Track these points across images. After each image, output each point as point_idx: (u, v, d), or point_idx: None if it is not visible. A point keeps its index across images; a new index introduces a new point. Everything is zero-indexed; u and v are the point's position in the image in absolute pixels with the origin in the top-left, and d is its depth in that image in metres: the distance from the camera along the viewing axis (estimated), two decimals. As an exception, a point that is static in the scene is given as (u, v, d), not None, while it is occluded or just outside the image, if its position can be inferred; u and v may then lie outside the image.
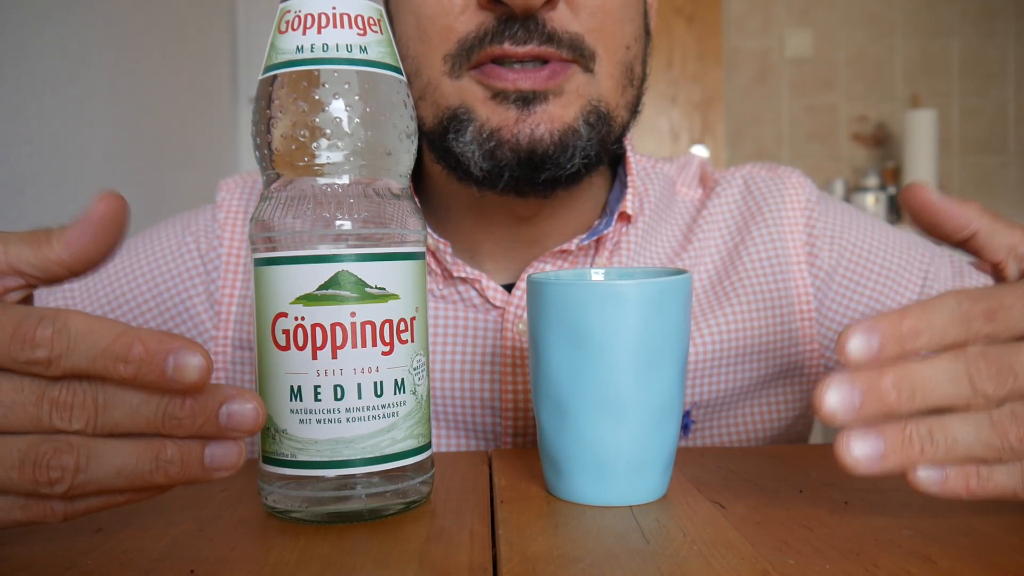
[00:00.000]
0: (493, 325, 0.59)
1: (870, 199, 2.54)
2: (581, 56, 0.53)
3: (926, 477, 0.33)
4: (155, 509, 0.41)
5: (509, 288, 0.61)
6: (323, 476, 0.38)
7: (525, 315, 0.59)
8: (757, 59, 2.81)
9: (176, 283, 0.64)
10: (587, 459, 0.40)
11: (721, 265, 0.63)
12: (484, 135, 0.53)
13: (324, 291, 0.37)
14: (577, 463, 0.40)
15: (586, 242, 0.60)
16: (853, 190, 2.66)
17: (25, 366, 0.31)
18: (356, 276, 0.38)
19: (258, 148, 0.40)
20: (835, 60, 2.80)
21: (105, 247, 0.35)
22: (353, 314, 0.38)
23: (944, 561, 0.33)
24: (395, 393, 0.39)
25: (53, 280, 0.35)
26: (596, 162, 0.56)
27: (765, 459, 0.48)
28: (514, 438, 0.59)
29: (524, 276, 0.59)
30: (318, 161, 0.38)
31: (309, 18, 0.38)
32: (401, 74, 0.41)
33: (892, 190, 2.62)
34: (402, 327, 0.39)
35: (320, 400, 0.38)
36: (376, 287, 0.38)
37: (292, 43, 0.38)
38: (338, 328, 0.37)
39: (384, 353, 0.38)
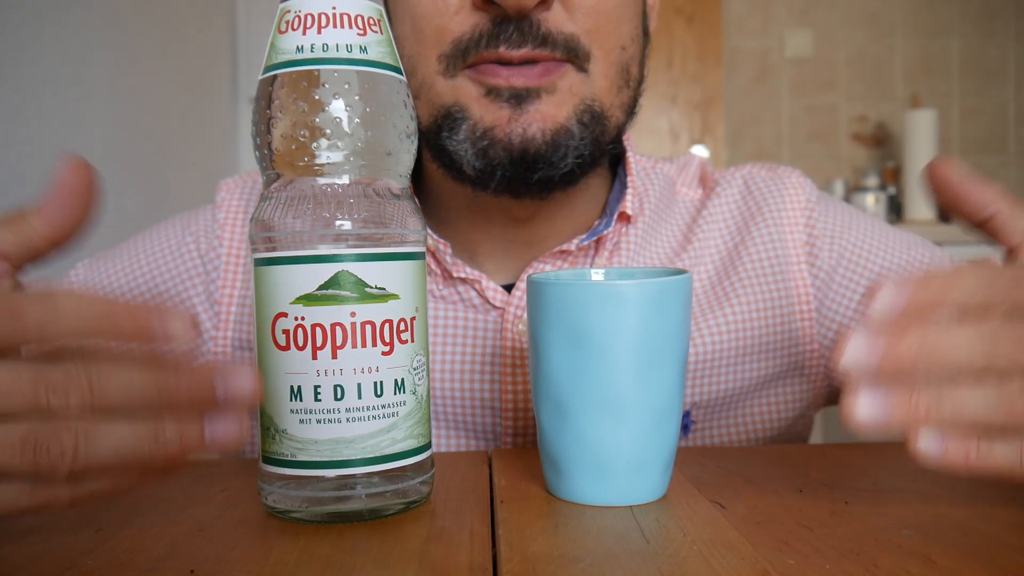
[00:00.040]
0: (493, 325, 0.59)
1: (870, 199, 2.54)
2: (575, 57, 0.53)
3: (927, 446, 0.33)
4: (155, 509, 0.41)
5: (509, 288, 0.61)
6: (323, 476, 0.38)
7: (525, 315, 0.59)
8: (757, 59, 2.81)
9: (176, 283, 0.64)
10: (587, 459, 0.40)
11: (721, 265, 0.63)
12: (477, 134, 0.53)
13: (324, 291, 0.37)
14: (577, 463, 0.40)
15: (586, 242, 0.60)
16: (853, 190, 2.66)
17: (16, 344, 0.31)
18: (356, 276, 0.38)
19: (258, 148, 0.40)
20: (835, 60, 2.80)
21: (83, 214, 0.34)
22: (353, 314, 0.38)
23: (944, 561, 0.33)
24: (395, 393, 0.39)
25: (38, 257, 0.35)
26: (591, 162, 0.56)
27: (765, 459, 0.48)
28: (514, 438, 0.59)
29: (524, 276, 0.59)
30: (318, 161, 0.38)
31: (309, 18, 0.38)
32: (401, 74, 0.41)
33: (892, 190, 2.62)
34: (402, 327, 0.39)
35: (320, 400, 0.38)
36: (376, 287, 0.38)
37: (292, 43, 0.38)
38: (338, 328, 0.37)
39: (384, 353, 0.38)
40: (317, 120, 0.38)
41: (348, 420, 0.38)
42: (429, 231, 0.60)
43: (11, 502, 0.32)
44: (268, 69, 0.39)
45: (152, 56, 1.42)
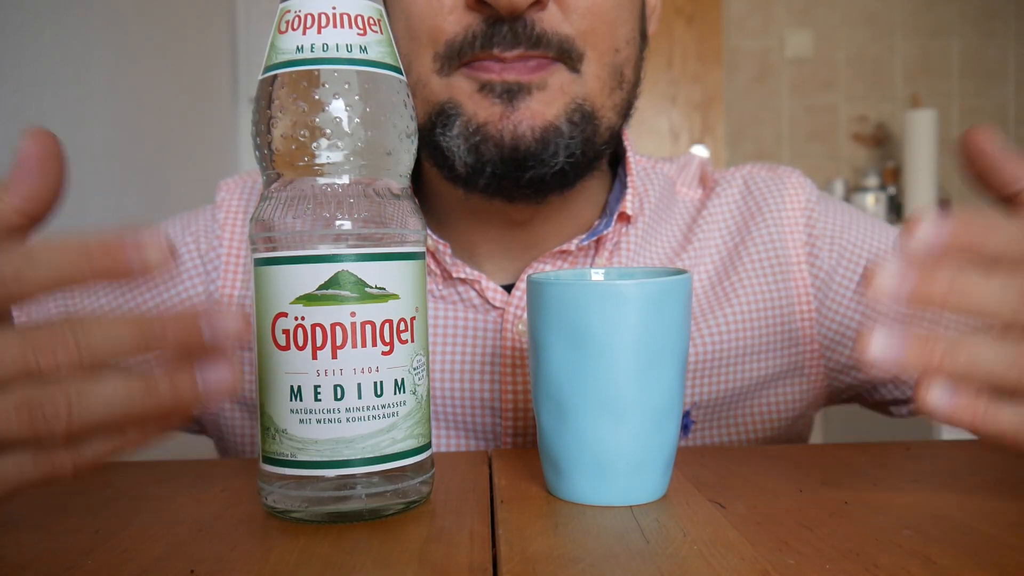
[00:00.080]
0: (493, 325, 0.59)
1: (870, 199, 2.54)
2: (569, 58, 0.53)
3: (937, 398, 0.33)
4: (155, 509, 0.41)
5: (509, 288, 0.61)
6: (323, 476, 0.38)
7: (525, 315, 0.59)
8: (757, 59, 2.81)
9: (176, 283, 0.64)
10: (587, 459, 0.40)
11: (721, 265, 0.63)
12: (470, 129, 0.53)
13: (324, 291, 0.37)
14: (577, 463, 0.40)
15: (586, 242, 0.60)
16: (853, 190, 2.66)
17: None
18: (356, 276, 0.38)
19: (258, 148, 0.40)
20: (835, 60, 2.80)
21: (54, 184, 0.34)
22: (353, 314, 0.38)
23: (944, 561, 0.33)
24: (395, 393, 0.39)
25: (16, 233, 0.35)
26: (584, 164, 0.56)
27: (765, 459, 0.48)
28: (514, 438, 0.59)
29: (524, 276, 0.59)
30: (318, 161, 0.38)
31: (309, 18, 0.38)
32: (401, 74, 0.41)
33: (892, 190, 2.62)
34: (402, 327, 0.39)
35: (320, 400, 0.38)
36: (376, 287, 0.38)
37: (292, 43, 0.38)
38: (338, 328, 0.37)
39: (384, 353, 0.38)
40: (317, 120, 0.38)
41: (348, 420, 0.38)
42: (429, 231, 0.60)
43: (16, 475, 0.32)
44: (268, 69, 0.39)
45: (152, 56, 1.42)
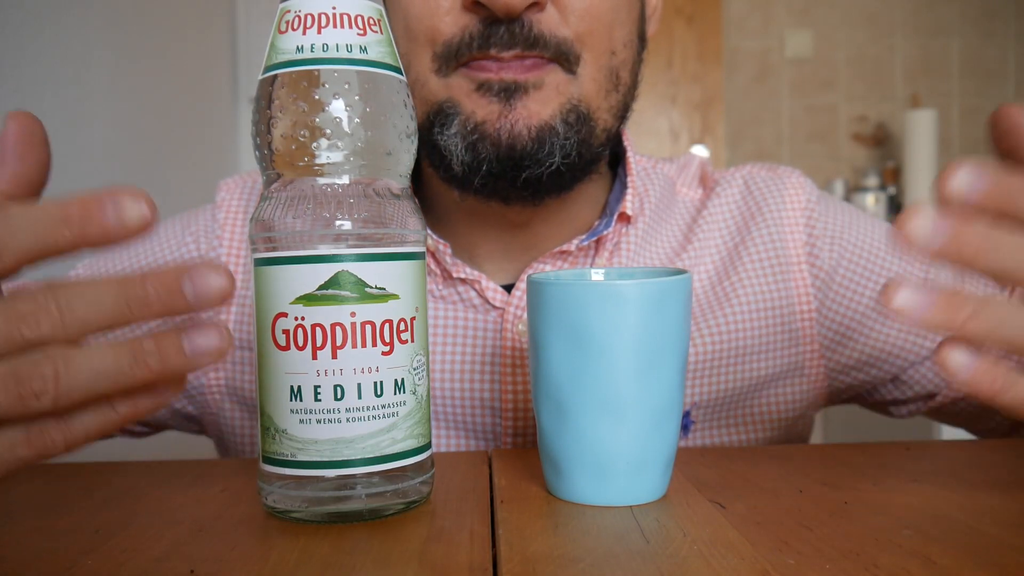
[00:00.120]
0: (493, 325, 0.59)
1: (870, 199, 2.54)
2: (566, 59, 0.53)
3: (959, 360, 0.33)
4: (155, 509, 0.41)
5: (509, 288, 0.61)
6: (323, 476, 0.38)
7: (525, 315, 0.59)
8: (757, 59, 2.81)
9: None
10: (587, 459, 0.40)
11: (721, 265, 0.63)
12: (468, 128, 0.53)
13: (324, 291, 0.37)
14: (577, 463, 0.40)
15: (586, 243, 0.60)
16: (853, 190, 2.66)
17: None
18: (356, 276, 0.38)
19: (258, 148, 0.40)
20: (835, 60, 2.80)
21: (36, 164, 0.34)
22: (353, 314, 0.38)
23: (944, 561, 0.33)
24: (395, 393, 0.39)
25: None
26: (579, 164, 0.56)
27: (765, 459, 0.48)
28: (514, 438, 0.59)
29: (524, 276, 0.59)
30: (318, 161, 0.38)
31: (309, 18, 0.38)
32: (401, 74, 0.41)
33: (892, 190, 2.62)
34: (402, 327, 0.39)
35: (320, 400, 0.38)
36: (376, 287, 0.38)
37: (292, 43, 0.38)
38: (338, 328, 0.37)
39: (384, 353, 0.38)
40: (317, 120, 0.38)
41: (348, 420, 0.38)
42: (429, 231, 0.60)
43: (8, 453, 0.32)
44: (268, 69, 0.39)
45: (152, 56, 1.42)
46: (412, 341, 0.40)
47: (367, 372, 0.38)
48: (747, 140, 2.82)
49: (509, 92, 0.53)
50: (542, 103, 0.53)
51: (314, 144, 0.38)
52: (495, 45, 0.52)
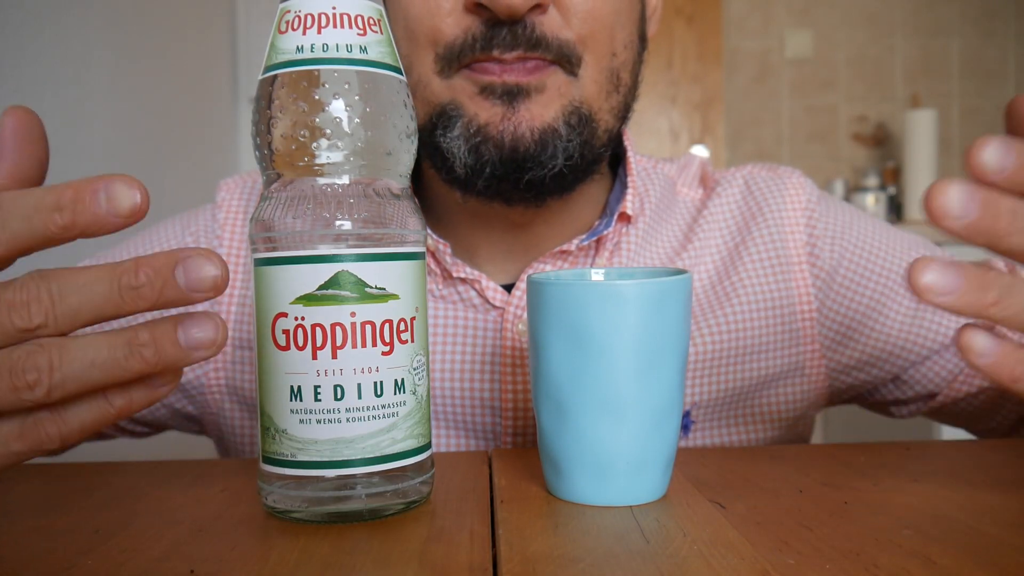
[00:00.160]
0: (493, 325, 0.59)
1: (870, 199, 2.54)
2: (568, 61, 0.53)
3: (982, 344, 0.33)
4: (155, 509, 0.41)
5: (509, 288, 0.61)
6: (323, 476, 0.38)
7: (525, 315, 0.59)
8: (757, 59, 2.81)
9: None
10: (587, 459, 0.40)
11: (721, 265, 0.63)
12: (472, 130, 0.53)
13: (324, 291, 0.37)
14: (577, 463, 0.40)
15: (586, 242, 0.60)
16: (853, 190, 2.66)
17: None
18: (356, 276, 0.38)
19: (258, 148, 0.40)
20: (835, 60, 2.80)
21: (34, 159, 0.34)
22: (353, 314, 0.38)
23: (944, 561, 0.33)
24: (395, 393, 0.39)
25: None
26: (581, 166, 0.56)
27: (765, 459, 0.48)
28: (514, 438, 0.59)
29: (524, 276, 0.59)
30: (318, 161, 0.38)
31: (309, 18, 0.38)
32: (401, 74, 0.41)
33: (892, 190, 2.62)
34: (402, 327, 0.39)
35: (320, 400, 0.38)
36: (376, 287, 0.38)
37: (292, 43, 0.38)
38: (338, 328, 0.37)
39: (384, 353, 0.38)
40: (317, 120, 0.38)
41: (348, 420, 0.38)
42: (429, 231, 0.60)
43: (4, 446, 0.31)
44: (268, 69, 0.39)
45: (152, 56, 1.42)
46: (412, 341, 0.40)
47: (367, 372, 0.38)
48: (747, 140, 2.82)
49: (512, 95, 0.53)
50: (544, 105, 0.53)
51: (314, 144, 0.38)
52: (498, 47, 0.52)
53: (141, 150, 1.36)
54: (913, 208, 2.51)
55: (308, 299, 0.37)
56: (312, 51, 0.38)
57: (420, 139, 0.56)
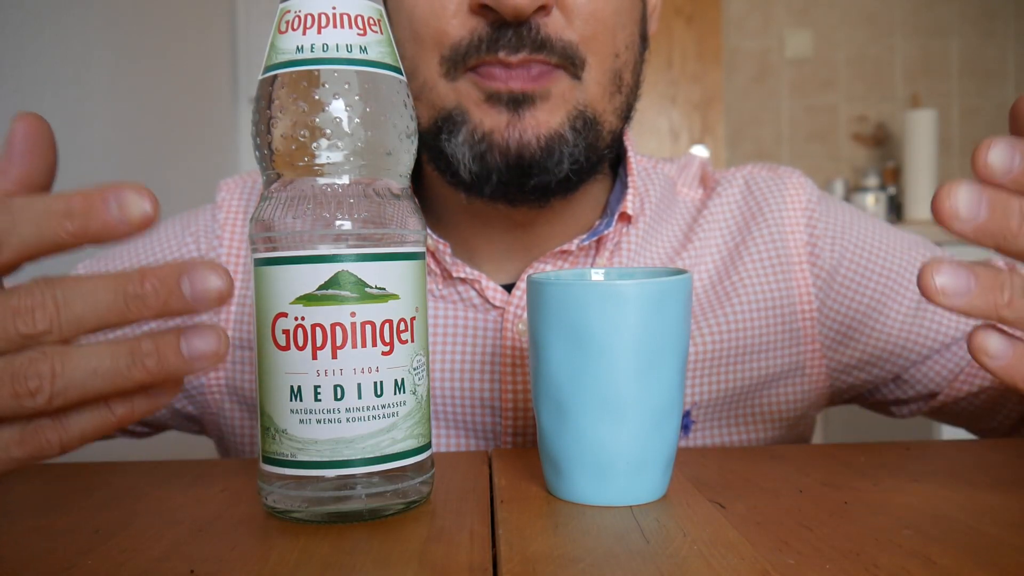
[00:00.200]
0: (493, 325, 0.59)
1: (870, 199, 2.54)
2: (572, 64, 0.53)
3: (995, 346, 0.33)
4: (155, 509, 0.41)
5: (509, 288, 0.61)
6: (323, 476, 0.38)
7: (525, 315, 0.59)
8: (757, 59, 2.81)
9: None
10: (587, 459, 0.40)
11: (722, 265, 0.63)
12: (476, 138, 0.53)
13: (324, 291, 0.37)
14: (577, 463, 0.40)
15: (586, 242, 0.60)
16: (853, 190, 2.66)
17: None
18: (356, 276, 0.38)
19: (258, 148, 0.40)
20: (835, 60, 2.80)
21: (43, 165, 0.34)
22: (353, 314, 0.38)
23: (944, 561, 0.33)
24: (395, 393, 0.39)
25: None
26: (587, 168, 0.56)
27: (765, 459, 0.48)
28: (514, 438, 0.59)
29: (524, 276, 0.59)
30: (318, 161, 0.38)
31: (309, 18, 0.38)
32: (401, 74, 0.41)
33: (892, 190, 2.62)
34: (402, 327, 0.39)
35: (320, 400, 0.38)
36: (376, 287, 0.38)
37: (292, 43, 0.38)
38: (338, 328, 0.37)
39: (384, 353, 0.38)
40: (317, 120, 0.38)
41: (348, 420, 0.38)
42: (429, 231, 0.60)
43: (4, 452, 0.31)
44: (268, 69, 0.39)
45: (152, 56, 1.42)
46: (412, 341, 0.40)
47: (367, 372, 0.38)
48: (747, 140, 2.82)
49: (518, 103, 0.53)
50: (550, 112, 0.53)
51: (314, 144, 0.38)
52: (503, 48, 0.51)
53: (141, 150, 1.36)
54: (913, 208, 2.51)
55: (308, 299, 0.37)
56: (312, 51, 0.38)
57: (424, 142, 0.56)
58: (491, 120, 0.53)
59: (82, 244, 0.31)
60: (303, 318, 0.37)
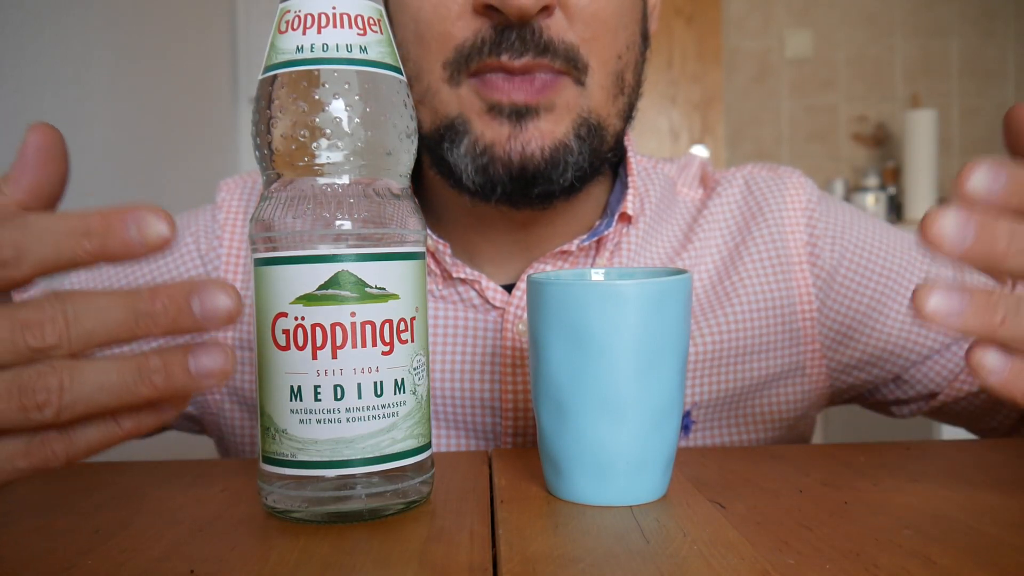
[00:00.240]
0: (493, 325, 0.59)
1: (870, 199, 2.54)
2: (575, 68, 0.53)
3: (992, 362, 0.33)
4: (154, 509, 0.41)
5: (509, 288, 0.61)
6: (323, 476, 0.38)
7: (525, 315, 0.59)
8: (757, 59, 2.81)
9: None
10: (587, 459, 0.40)
11: (722, 265, 0.63)
12: (478, 150, 0.53)
13: (324, 291, 0.37)
14: (577, 463, 0.40)
15: (587, 242, 0.60)
16: (853, 190, 2.66)
17: None
18: (356, 276, 0.38)
19: (258, 148, 0.40)
20: (835, 60, 2.80)
21: (55, 176, 0.34)
22: (353, 314, 0.38)
23: (944, 561, 0.33)
24: (395, 393, 0.39)
25: None
26: (591, 173, 0.56)
27: (765, 459, 0.48)
28: (514, 438, 0.59)
29: (524, 276, 0.59)
30: (318, 161, 0.38)
31: (309, 18, 0.38)
32: (401, 74, 0.41)
33: (892, 190, 2.62)
34: (402, 327, 0.39)
35: (320, 400, 0.38)
36: (376, 287, 0.38)
37: (292, 43, 0.38)
38: (338, 328, 0.37)
39: (384, 353, 0.38)
40: (317, 120, 0.38)
41: (348, 420, 0.38)
42: (429, 231, 0.60)
43: (9, 463, 0.31)
44: (268, 69, 0.39)
45: (152, 56, 1.42)
46: (412, 341, 0.40)
47: (367, 372, 0.38)
48: (747, 140, 2.82)
49: (520, 115, 0.52)
50: (555, 122, 0.53)
51: (314, 144, 0.38)
52: (506, 51, 0.51)
53: (141, 150, 1.36)
54: (913, 208, 2.51)
55: (308, 299, 0.37)
56: (312, 51, 0.38)
57: (426, 148, 0.56)
58: (492, 132, 0.53)
59: (98, 262, 0.31)
60: (303, 318, 0.37)
